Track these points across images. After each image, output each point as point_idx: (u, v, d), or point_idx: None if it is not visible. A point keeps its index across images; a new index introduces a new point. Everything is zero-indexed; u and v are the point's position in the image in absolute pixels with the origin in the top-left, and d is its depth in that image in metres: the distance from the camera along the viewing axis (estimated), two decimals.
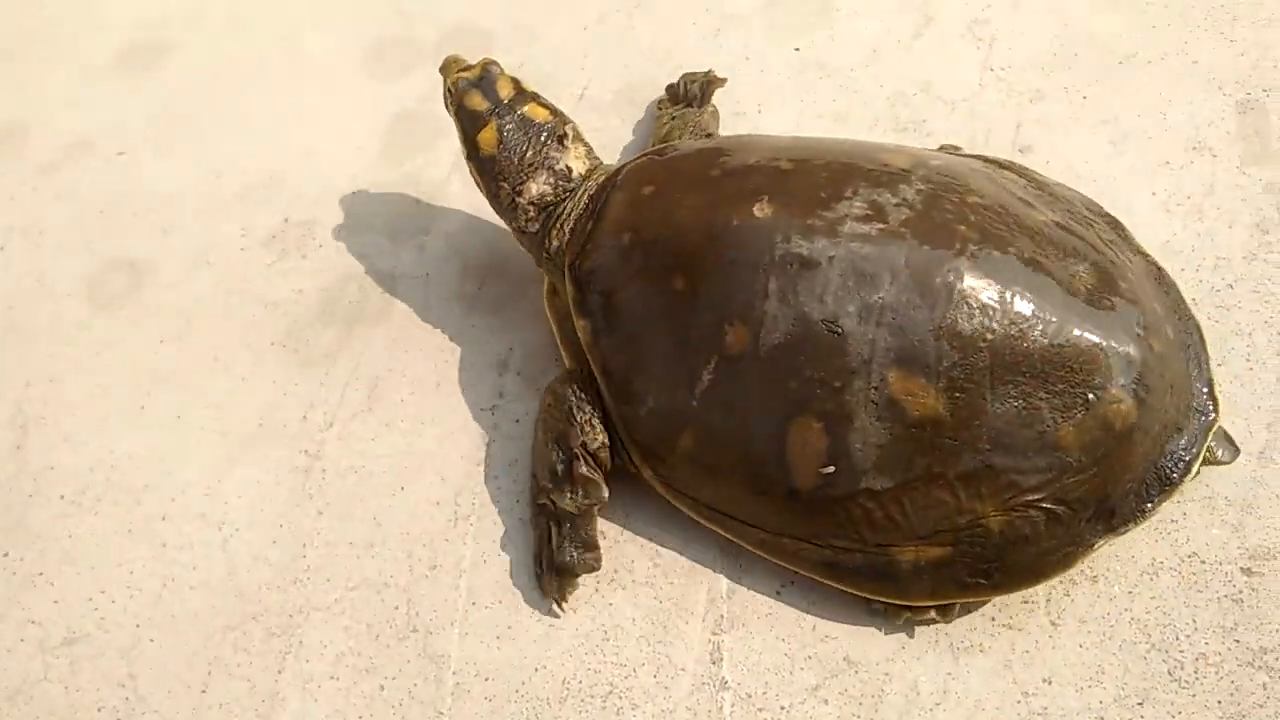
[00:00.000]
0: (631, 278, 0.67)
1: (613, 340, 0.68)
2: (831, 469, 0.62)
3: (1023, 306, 0.61)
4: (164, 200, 0.88)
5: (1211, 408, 0.65)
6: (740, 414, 0.64)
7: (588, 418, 0.68)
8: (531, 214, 0.73)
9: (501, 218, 0.76)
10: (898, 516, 0.63)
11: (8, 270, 0.85)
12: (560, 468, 0.69)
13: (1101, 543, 0.62)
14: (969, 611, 0.65)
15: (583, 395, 0.69)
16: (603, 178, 0.73)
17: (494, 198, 0.75)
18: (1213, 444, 0.65)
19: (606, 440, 0.68)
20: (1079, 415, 0.61)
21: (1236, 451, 0.67)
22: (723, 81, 0.88)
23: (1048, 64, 0.90)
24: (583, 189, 0.73)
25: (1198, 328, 0.67)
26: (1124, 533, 0.63)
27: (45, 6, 1.02)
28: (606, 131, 0.90)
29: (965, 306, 0.61)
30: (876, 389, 0.61)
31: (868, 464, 0.62)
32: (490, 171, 0.74)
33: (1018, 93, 0.89)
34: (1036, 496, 0.62)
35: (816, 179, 0.66)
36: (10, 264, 0.85)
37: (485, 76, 0.75)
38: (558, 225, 0.72)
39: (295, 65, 0.97)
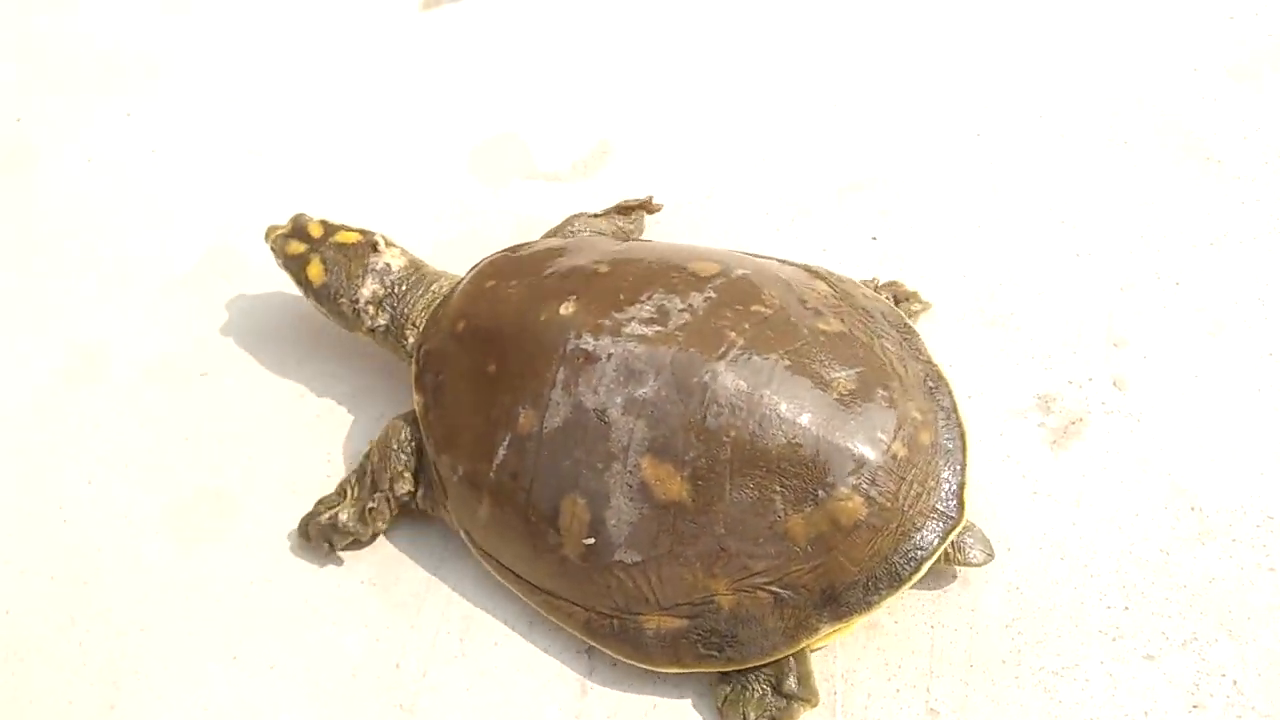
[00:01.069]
0: (457, 360, 0.77)
1: (438, 414, 0.77)
2: (592, 541, 0.70)
3: (769, 407, 0.68)
4: (248, 424, 0.89)
5: (956, 510, 0.69)
6: (525, 487, 0.72)
7: (404, 465, 0.78)
8: (372, 312, 0.83)
9: (354, 331, 0.86)
10: (645, 588, 0.70)
11: (96, 507, 0.85)
12: (365, 488, 0.79)
13: (826, 628, 0.68)
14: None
15: (409, 444, 0.78)
16: (465, 273, 0.84)
17: (340, 316, 0.85)
18: (969, 544, 0.71)
19: (411, 490, 0.77)
20: (808, 509, 0.67)
21: (990, 554, 0.72)
22: (658, 208, 0.93)
23: (1135, 247, 0.88)
24: (435, 285, 0.84)
25: (963, 435, 0.72)
26: (849, 621, 0.68)
27: (117, 219, 1.04)
28: None
29: (715, 405, 0.68)
30: (631, 473, 0.69)
31: (621, 539, 0.69)
32: (328, 296, 0.85)
33: (1106, 279, 0.87)
34: (764, 580, 0.68)
35: (622, 283, 0.75)
36: (98, 500, 0.86)
37: (296, 226, 0.88)
38: (411, 322, 0.83)
39: None
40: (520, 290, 0.77)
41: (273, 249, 0.88)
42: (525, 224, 0.96)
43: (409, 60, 1.13)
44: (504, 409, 0.73)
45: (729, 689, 0.70)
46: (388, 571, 0.80)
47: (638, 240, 0.90)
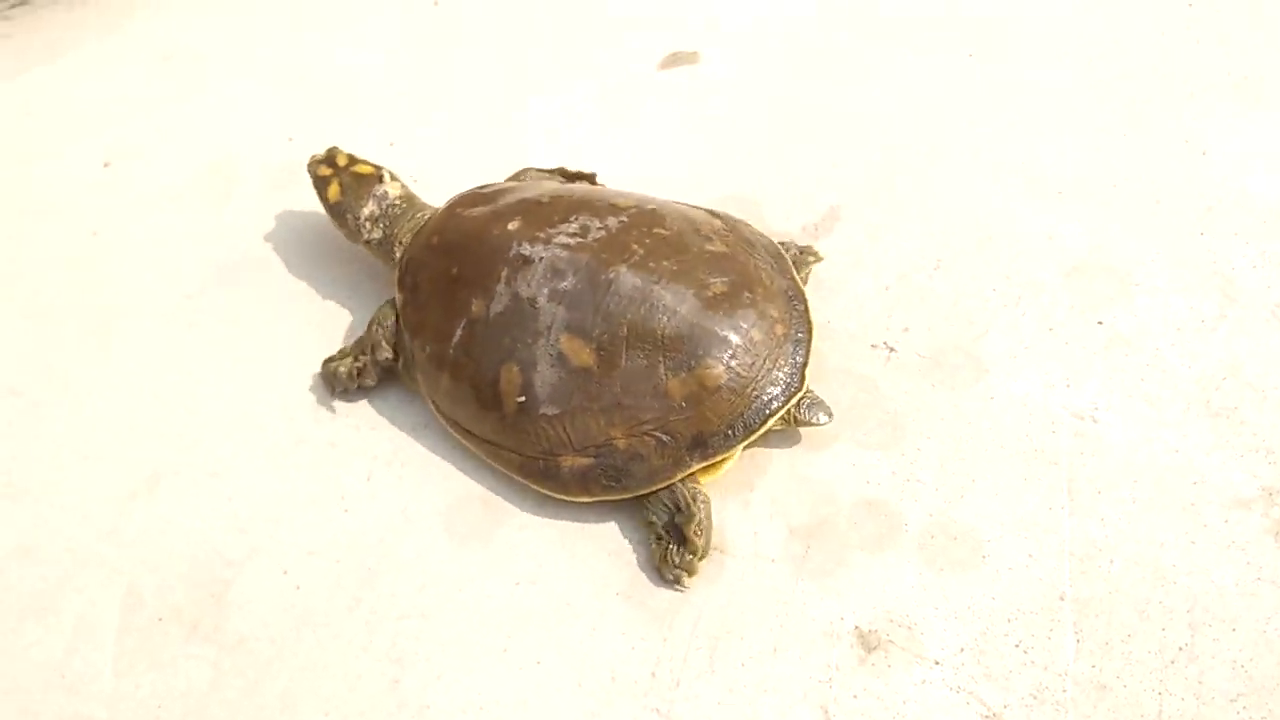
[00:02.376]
0: (430, 265, 0.99)
1: (413, 307, 0.99)
2: (523, 399, 0.91)
3: (657, 299, 0.89)
4: None
5: (798, 381, 0.90)
6: (475, 359, 0.94)
7: (384, 338, 1.00)
8: (369, 227, 1.06)
9: (355, 242, 1.08)
10: (562, 435, 0.90)
11: (375, 501, 0.96)
12: (356, 351, 1.02)
13: (696, 465, 0.88)
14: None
15: (390, 323, 1.01)
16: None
17: (345, 227, 1.08)
18: (811, 408, 0.92)
19: (390, 358, 1.00)
20: (683, 375, 0.88)
21: (830, 416, 0.92)
22: (593, 179, 1.12)
23: None
24: (420, 214, 1.06)
25: (809, 330, 0.93)
26: (714, 459, 0.89)
27: None
28: (914, 395, 0.96)
29: (616, 295, 0.90)
30: (553, 345, 0.90)
31: (545, 397, 0.90)
32: (339, 210, 1.08)
33: None
34: (650, 427, 0.89)
35: (556, 209, 0.97)
36: (376, 495, 0.96)
37: (328, 155, 1.11)
38: (398, 240, 1.05)
39: None
40: (480, 214, 1.00)
41: (309, 171, 1.11)
42: None
43: (649, 116, 1.23)
44: (461, 300, 0.95)
45: (655, 548, 0.90)
46: (641, 584, 0.88)
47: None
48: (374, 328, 1.01)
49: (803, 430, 0.94)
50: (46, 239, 1.21)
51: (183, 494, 0.97)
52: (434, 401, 0.98)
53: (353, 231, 1.08)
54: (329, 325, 1.09)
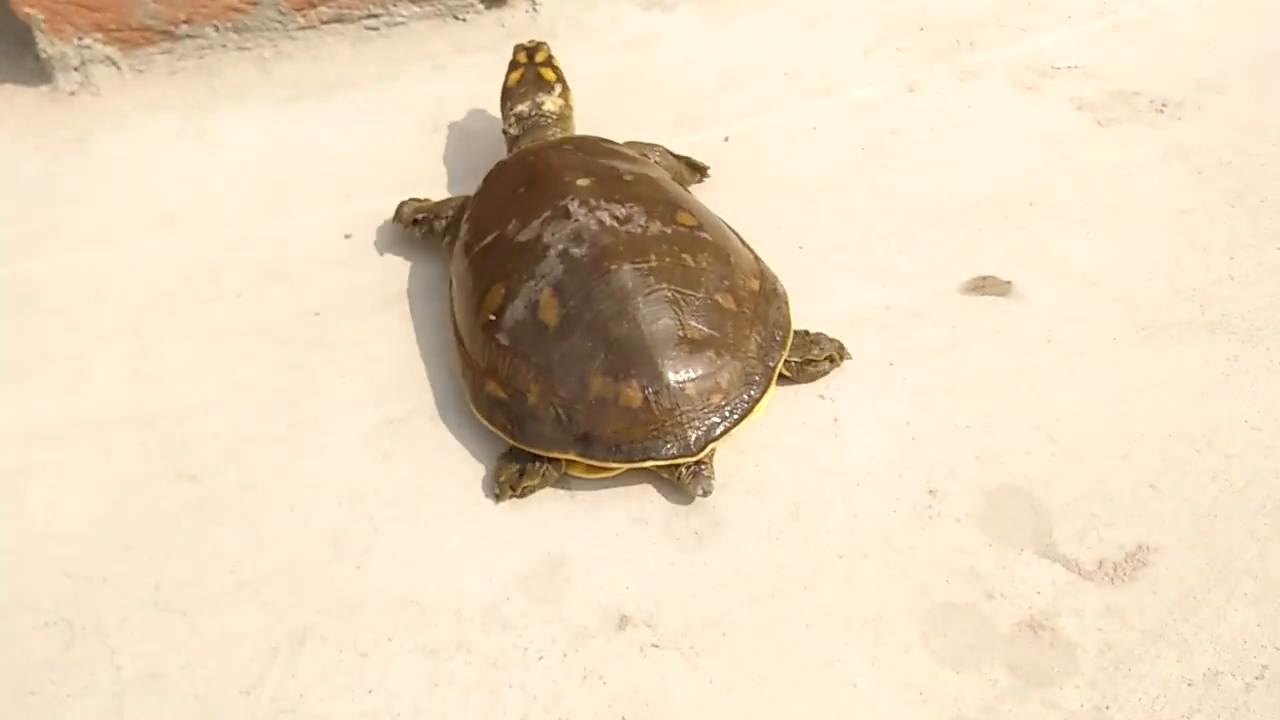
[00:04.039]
0: (514, 174, 1.08)
1: (480, 197, 1.10)
2: (493, 318, 0.97)
3: (633, 308, 0.92)
4: None
5: (697, 447, 0.91)
6: (484, 265, 1.01)
7: (444, 211, 1.14)
8: (513, 122, 1.18)
9: (504, 123, 1.20)
10: (499, 364, 0.96)
11: None
12: (433, 207, 1.16)
13: (572, 455, 0.92)
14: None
15: (459, 203, 1.13)
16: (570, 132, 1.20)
17: (503, 110, 1.19)
18: (699, 478, 0.92)
19: (443, 225, 1.14)
20: (608, 379, 0.91)
21: (707, 492, 0.92)
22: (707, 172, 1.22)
23: None
24: (553, 131, 1.17)
25: (744, 418, 0.94)
26: (589, 462, 0.92)
27: None
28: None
29: (604, 284, 0.93)
30: (537, 291, 0.95)
31: (506, 326, 0.96)
32: (506, 95, 1.20)
33: None
34: (559, 401, 0.92)
35: (626, 189, 1.02)
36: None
37: (534, 47, 1.23)
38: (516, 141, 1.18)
39: None
40: (574, 157, 1.07)
41: (514, 50, 1.23)
42: None
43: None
44: (507, 215, 1.03)
45: (504, 462, 0.97)
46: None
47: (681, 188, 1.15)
48: (449, 200, 1.16)
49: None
50: (277, 304, 1.16)
51: (325, 670, 0.88)
52: (449, 282, 1.08)
53: (504, 116, 1.19)
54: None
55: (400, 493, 0.98)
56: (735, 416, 0.93)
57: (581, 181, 1.02)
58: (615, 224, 0.97)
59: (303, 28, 1.43)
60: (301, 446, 1.03)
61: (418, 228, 1.15)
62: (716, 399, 0.92)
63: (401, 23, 1.45)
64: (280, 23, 1.42)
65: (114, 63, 1.41)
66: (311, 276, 1.18)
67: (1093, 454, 0.95)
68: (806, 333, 1.02)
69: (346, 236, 1.21)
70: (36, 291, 1.20)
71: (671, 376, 0.91)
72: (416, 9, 1.44)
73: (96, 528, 0.98)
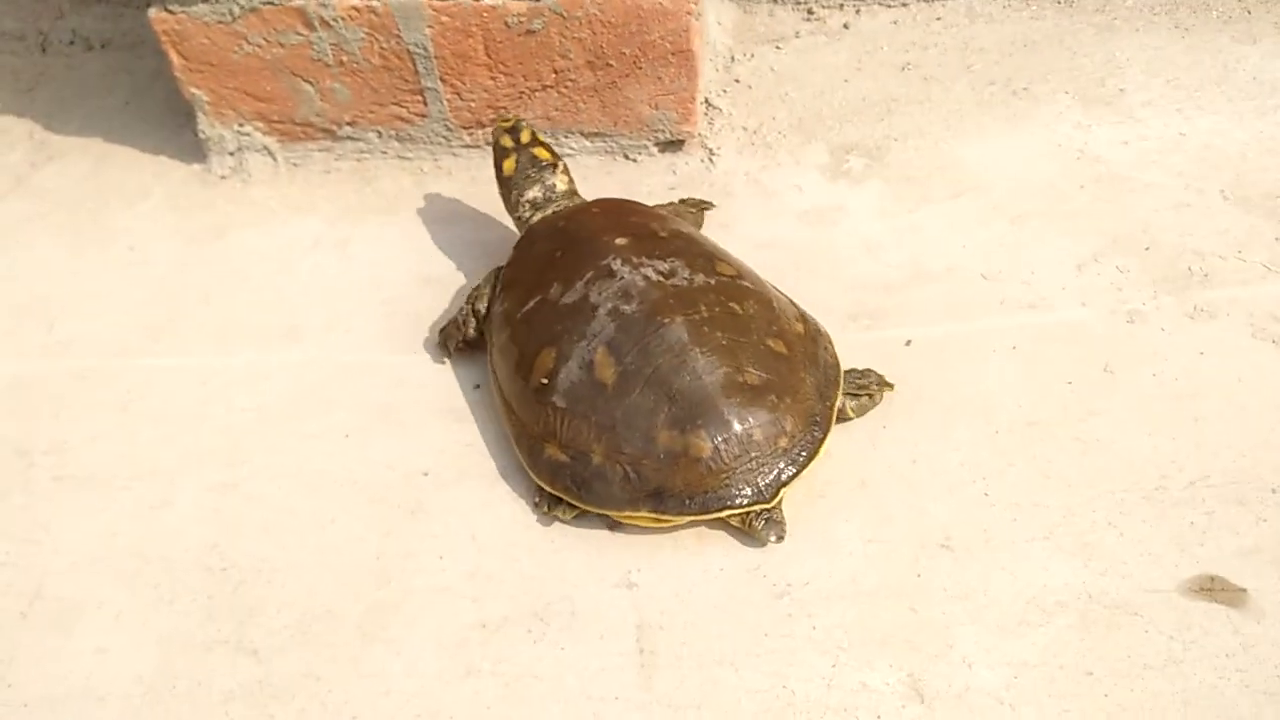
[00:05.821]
0: (544, 240, 1.08)
1: (513, 267, 1.08)
2: (546, 381, 0.97)
3: (692, 359, 0.92)
4: None
5: (770, 494, 0.92)
6: (531, 330, 1.00)
7: (483, 292, 1.09)
8: (526, 209, 1.15)
9: (510, 213, 1.18)
10: (558, 427, 0.95)
11: None
12: (465, 305, 1.10)
13: (645, 513, 0.92)
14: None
15: (491, 282, 1.10)
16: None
17: (507, 200, 1.17)
18: (769, 524, 0.93)
19: (485, 309, 1.09)
20: (675, 432, 0.91)
21: (780, 538, 0.93)
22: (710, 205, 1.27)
23: None
24: (568, 203, 1.15)
25: (811, 458, 0.94)
26: (661, 516, 0.92)
27: None
28: None
29: (660, 338, 0.94)
30: (590, 352, 0.95)
31: (561, 389, 0.96)
32: (508, 185, 1.16)
33: None
34: (626, 459, 0.92)
35: (664, 245, 1.03)
36: None
37: (514, 127, 1.17)
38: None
39: None
40: (604, 219, 1.07)
41: (492, 134, 1.20)
42: None
43: None
44: (547, 279, 1.01)
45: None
46: None
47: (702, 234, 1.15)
48: (480, 284, 1.10)
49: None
50: (384, 455, 1.05)
51: None
52: (490, 353, 1.06)
53: (512, 205, 1.16)
54: None
55: None
56: (803, 458, 0.93)
57: (620, 240, 1.02)
58: (661, 279, 0.98)
59: (467, 145, 1.35)
60: (377, 637, 0.90)
61: (465, 327, 1.09)
62: (783, 443, 0.93)
63: (570, 155, 1.35)
64: (445, 138, 1.34)
65: (270, 153, 1.36)
66: (427, 428, 1.07)
67: None
68: (853, 369, 1.05)
69: (476, 387, 1.10)
70: (142, 390, 1.12)
71: (736, 424, 0.91)
72: (587, 143, 1.35)
73: (140, 694, 0.87)
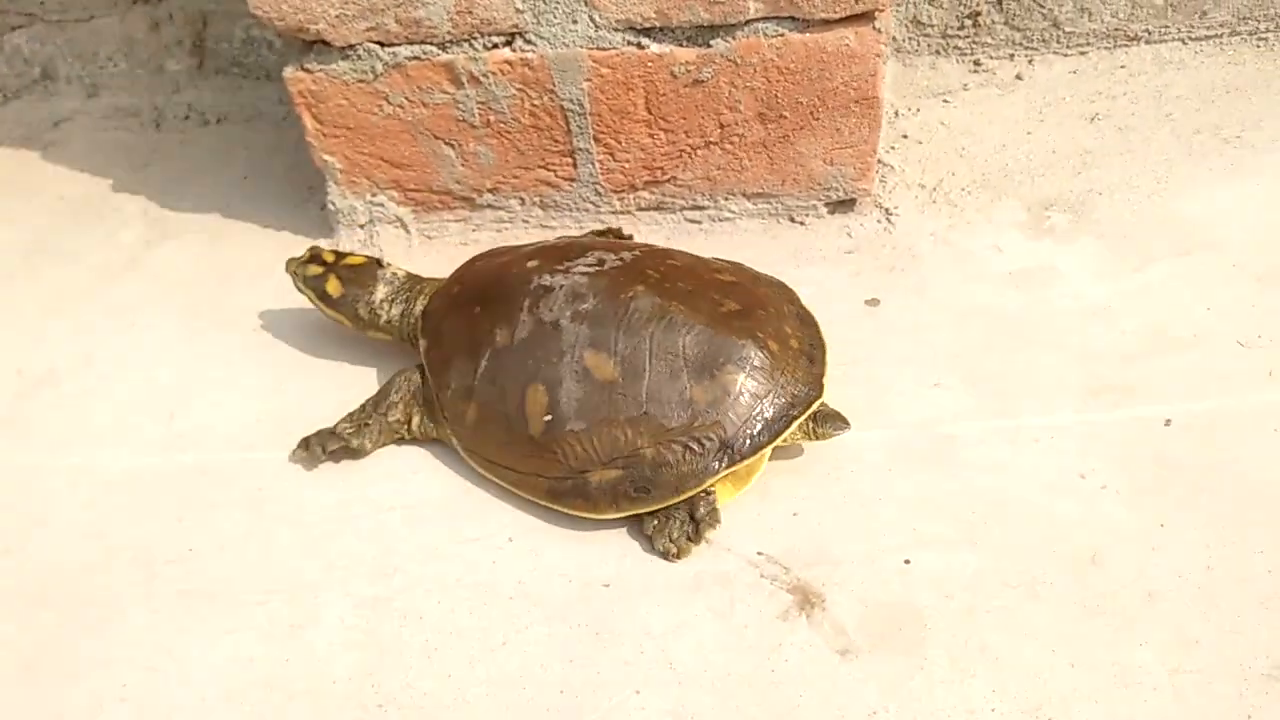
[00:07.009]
0: (452, 310, 1.01)
1: (438, 349, 1.00)
2: (550, 417, 0.91)
3: (676, 313, 0.92)
4: None
5: (817, 389, 0.92)
6: (500, 385, 0.94)
7: (398, 399, 1.00)
8: (387, 307, 1.07)
9: (370, 331, 1.09)
10: (589, 449, 0.90)
11: None
12: (367, 411, 1.01)
13: (723, 470, 0.88)
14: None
15: (405, 386, 1.01)
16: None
17: (356, 318, 1.08)
18: (828, 421, 0.92)
19: (401, 419, 1.00)
20: (706, 381, 0.89)
21: (847, 425, 0.92)
22: (628, 236, 1.21)
23: None
24: (429, 286, 1.07)
25: (823, 348, 0.97)
26: (740, 463, 0.88)
27: None
28: None
29: (637, 312, 0.92)
30: (577, 362, 0.92)
31: (571, 412, 0.91)
32: (345, 303, 1.08)
33: None
34: (678, 434, 0.88)
35: (572, 249, 1.01)
36: None
37: (313, 254, 1.11)
38: (412, 313, 1.06)
39: None
40: (498, 260, 1.03)
41: (293, 274, 1.10)
42: None
43: None
44: (484, 333, 0.97)
45: (655, 521, 0.90)
46: None
47: None
48: (391, 390, 1.01)
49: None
50: (563, 565, 0.90)
51: None
52: (460, 439, 0.97)
53: (365, 319, 1.08)
54: None
55: None
56: (818, 349, 0.96)
57: (531, 264, 0.99)
58: (598, 268, 0.97)
59: (616, 211, 1.23)
60: None
61: (365, 434, 0.99)
62: (795, 343, 0.95)
63: (729, 219, 1.22)
64: (594, 203, 1.22)
65: (403, 225, 1.25)
66: (610, 536, 0.92)
67: None
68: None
69: None
70: (274, 489, 0.98)
71: (751, 343, 0.92)
72: (749, 205, 1.22)
73: None
